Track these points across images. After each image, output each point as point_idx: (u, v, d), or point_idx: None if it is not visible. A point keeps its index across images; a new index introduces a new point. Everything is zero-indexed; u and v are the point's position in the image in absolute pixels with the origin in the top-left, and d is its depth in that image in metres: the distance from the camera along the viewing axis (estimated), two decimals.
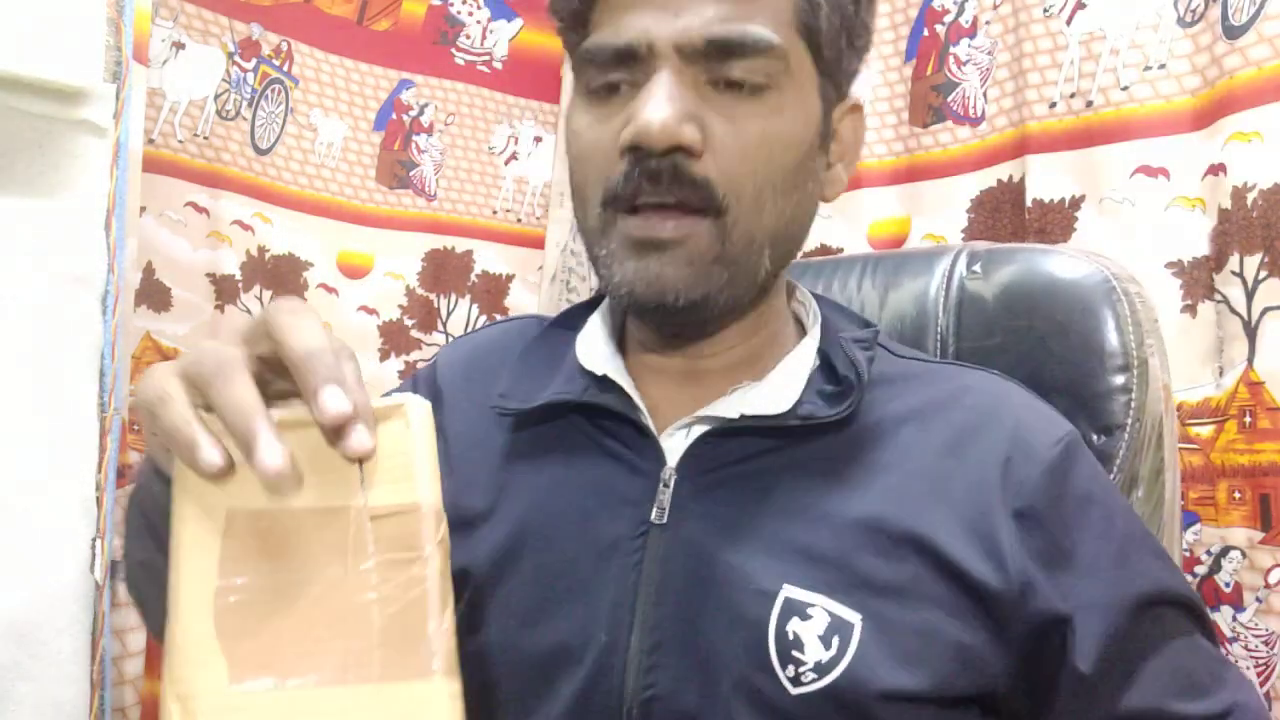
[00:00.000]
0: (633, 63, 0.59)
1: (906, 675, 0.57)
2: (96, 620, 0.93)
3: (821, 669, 0.57)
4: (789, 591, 0.58)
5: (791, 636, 0.58)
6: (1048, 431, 0.63)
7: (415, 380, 0.80)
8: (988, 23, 1.30)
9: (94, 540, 0.92)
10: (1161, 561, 0.64)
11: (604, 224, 0.61)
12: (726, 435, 0.63)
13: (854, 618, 0.58)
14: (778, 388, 0.64)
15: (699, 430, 0.64)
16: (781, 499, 0.61)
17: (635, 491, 0.63)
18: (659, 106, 0.57)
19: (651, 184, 0.58)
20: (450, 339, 1.66)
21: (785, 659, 0.58)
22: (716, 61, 0.58)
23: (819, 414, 0.62)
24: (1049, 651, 0.60)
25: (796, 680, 0.57)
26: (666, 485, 0.63)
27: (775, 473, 0.62)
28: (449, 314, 1.66)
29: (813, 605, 0.58)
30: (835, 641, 0.57)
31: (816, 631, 0.58)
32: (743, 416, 0.62)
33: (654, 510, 0.62)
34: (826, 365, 0.66)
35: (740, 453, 0.63)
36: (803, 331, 0.70)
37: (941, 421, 0.64)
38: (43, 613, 0.89)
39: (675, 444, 0.64)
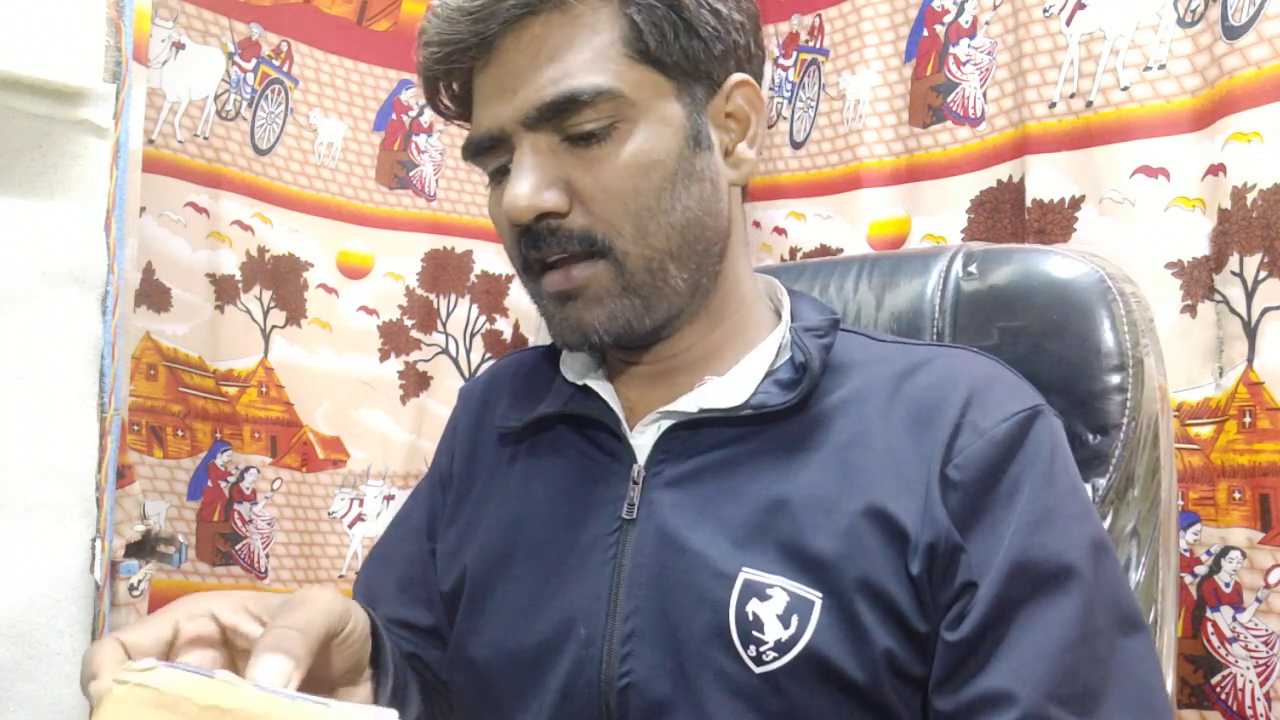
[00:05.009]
0: (500, 146, 0.64)
1: (866, 649, 0.59)
2: (96, 620, 0.93)
3: (781, 647, 0.59)
4: (748, 574, 0.61)
5: (751, 617, 0.60)
6: (1003, 406, 0.63)
7: (450, 423, 0.85)
8: (987, 23, 1.30)
9: (94, 540, 0.92)
10: (1077, 544, 0.60)
11: (529, 286, 0.68)
12: (691, 429, 0.66)
13: (814, 596, 0.60)
14: (738, 381, 0.67)
15: (665, 425, 0.67)
16: (742, 485, 0.64)
17: (610, 491, 0.67)
18: (516, 186, 0.63)
19: (535, 247, 0.64)
20: (450, 339, 1.66)
21: (746, 639, 0.60)
22: (559, 120, 0.62)
23: (771, 403, 0.65)
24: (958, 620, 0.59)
25: (759, 659, 0.59)
26: (636, 482, 0.66)
27: (737, 461, 0.65)
28: (449, 314, 1.66)
29: (772, 586, 0.60)
30: (794, 620, 0.59)
31: (775, 611, 0.60)
32: (701, 410, 0.66)
33: (625, 506, 0.66)
34: (793, 356, 0.68)
35: (704, 444, 0.66)
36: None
37: (903, 398, 0.65)
38: (43, 613, 0.89)
39: (645, 440, 0.67)
